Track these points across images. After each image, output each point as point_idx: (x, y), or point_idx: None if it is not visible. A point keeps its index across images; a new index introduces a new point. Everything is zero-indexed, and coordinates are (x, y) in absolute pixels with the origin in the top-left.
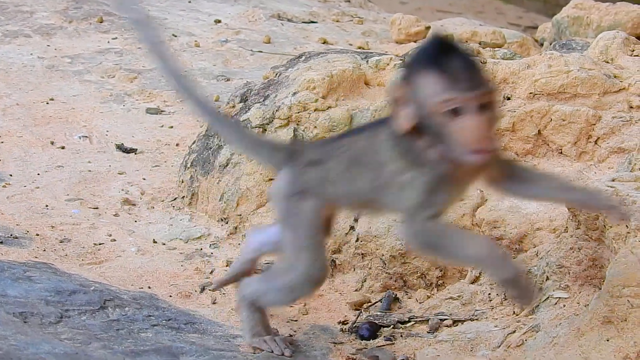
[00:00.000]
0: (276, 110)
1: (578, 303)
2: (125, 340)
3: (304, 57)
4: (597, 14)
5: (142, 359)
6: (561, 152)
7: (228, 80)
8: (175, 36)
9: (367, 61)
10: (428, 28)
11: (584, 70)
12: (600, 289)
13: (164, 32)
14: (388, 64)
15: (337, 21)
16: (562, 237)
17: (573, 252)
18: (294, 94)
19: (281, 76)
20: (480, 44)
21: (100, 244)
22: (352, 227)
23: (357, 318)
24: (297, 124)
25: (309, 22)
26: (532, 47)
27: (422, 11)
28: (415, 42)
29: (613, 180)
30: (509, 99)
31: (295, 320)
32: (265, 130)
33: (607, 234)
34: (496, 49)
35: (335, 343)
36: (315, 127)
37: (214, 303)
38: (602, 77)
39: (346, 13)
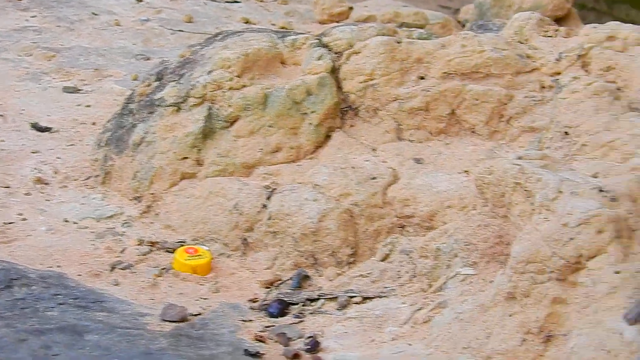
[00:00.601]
0: (191, 89)
1: (484, 280)
2: (30, 319)
3: (220, 36)
4: None
5: (46, 337)
6: (474, 131)
7: (147, 59)
8: (96, 14)
9: (284, 40)
10: (351, 9)
11: (497, 50)
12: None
13: (84, 10)
14: (304, 44)
15: (261, 1)
16: (470, 214)
17: (480, 229)
18: (209, 72)
19: (197, 55)
20: (402, 25)
21: (10, 223)
22: (264, 206)
23: (266, 296)
24: (212, 103)
25: (232, 2)
26: (454, 28)
27: None
28: (337, 22)
29: (519, 158)
30: (422, 78)
31: (205, 299)
32: (180, 109)
33: (513, 211)
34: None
35: (244, 321)
36: (230, 105)
37: (117, 284)
38: (515, 57)
39: None
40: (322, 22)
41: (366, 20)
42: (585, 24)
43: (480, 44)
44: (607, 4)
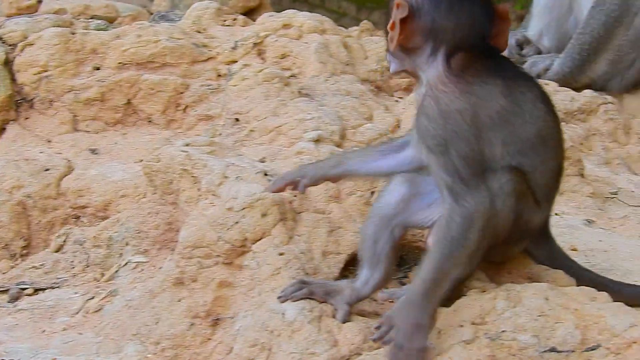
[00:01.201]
0: None
1: (154, 267)
2: None
3: None
4: None
5: None
6: (150, 121)
7: None
8: None
9: None
10: (40, 2)
11: (172, 39)
12: None
13: None
14: None
15: None
16: (141, 202)
17: (151, 217)
18: None
19: None
20: (92, 17)
21: None
22: None
23: None
24: None
25: None
26: (146, 20)
27: None
28: (28, 14)
29: (187, 145)
30: (98, 69)
31: None
32: None
33: (181, 198)
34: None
35: None
36: None
37: None
38: (190, 47)
39: None
40: (9, 16)
41: (56, 13)
42: None
43: (155, 33)
44: None
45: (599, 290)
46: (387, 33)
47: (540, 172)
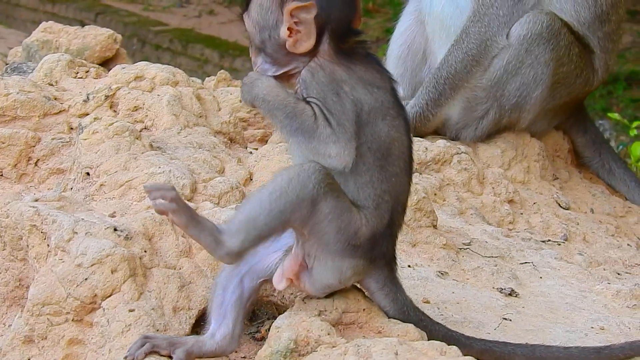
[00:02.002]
0: None
1: (4, 324)
2: None
3: None
4: (66, 37)
5: None
6: (2, 175)
7: None
8: None
9: None
10: None
11: (23, 92)
12: None
13: None
14: None
15: None
16: None
17: (0, 273)
18: None
19: None
20: None
21: None
22: None
23: None
24: None
25: None
26: (1, 69)
27: None
28: None
29: (36, 201)
30: None
31: None
32: None
33: (31, 254)
34: None
35: None
36: None
37: None
38: (42, 100)
39: None
40: None
41: None
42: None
43: (6, 86)
44: (182, 44)
45: (449, 344)
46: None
47: (370, 177)
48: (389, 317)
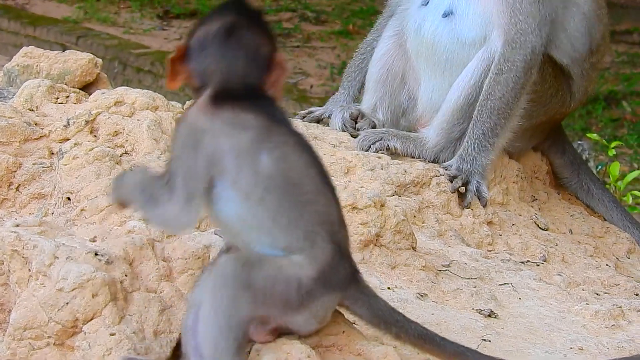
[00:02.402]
0: None
1: None
2: None
3: None
4: (46, 62)
5: None
6: None
7: None
8: None
9: None
10: None
11: (4, 118)
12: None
13: None
14: None
15: None
16: None
17: None
18: None
19: None
20: None
21: None
22: None
23: None
24: None
25: None
26: None
27: None
28: None
29: (17, 226)
30: None
31: None
32: None
33: (12, 278)
34: None
35: None
36: None
37: None
38: (22, 125)
39: None
40: None
41: None
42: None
43: None
44: (163, 67)
45: (425, 344)
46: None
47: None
48: (367, 323)
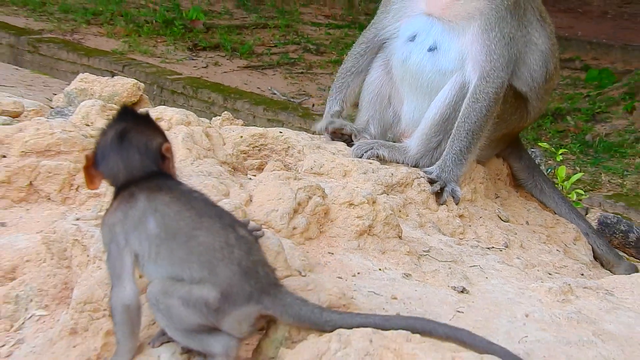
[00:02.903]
0: None
1: (53, 319)
2: None
3: None
4: (99, 86)
5: None
6: (49, 199)
7: None
8: None
9: None
10: None
11: (65, 132)
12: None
13: None
14: None
15: None
16: (42, 266)
17: (50, 278)
18: None
19: None
20: (1, 113)
21: None
22: None
23: None
24: None
25: None
26: (47, 113)
27: None
28: None
29: (78, 219)
30: (5, 157)
31: None
32: None
33: (74, 262)
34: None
35: None
36: None
37: None
38: (80, 137)
39: None
40: None
41: None
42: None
43: (51, 127)
44: (193, 90)
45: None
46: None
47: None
48: (297, 326)
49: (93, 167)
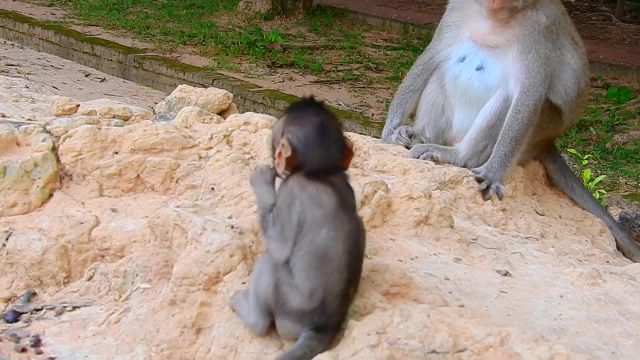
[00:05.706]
0: None
1: (156, 291)
2: None
3: None
4: (194, 95)
5: None
6: (153, 189)
7: None
8: None
9: (19, 128)
10: (78, 105)
11: (168, 132)
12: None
13: None
14: (33, 130)
15: (16, 101)
16: (147, 246)
17: (153, 256)
18: None
19: None
20: (114, 116)
21: None
22: (3, 245)
23: (5, 308)
24: None
25: None
26: (151, 118)
27: (78, 96)
28: (69, 115)
29: (178, 207)
30: (117, 153)
31: None
32: None
33: (174, 244)
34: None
35: None
36: None
37: None
38: (180, 137)
39: (23, 95)
40: (57, 115)
41: (89, 113)
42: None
43: (156, 129)
44: (271, 100)
45: None
46: (273, 157)
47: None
48: None
49: (294, 153)
